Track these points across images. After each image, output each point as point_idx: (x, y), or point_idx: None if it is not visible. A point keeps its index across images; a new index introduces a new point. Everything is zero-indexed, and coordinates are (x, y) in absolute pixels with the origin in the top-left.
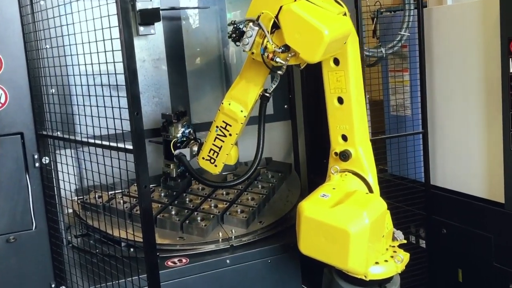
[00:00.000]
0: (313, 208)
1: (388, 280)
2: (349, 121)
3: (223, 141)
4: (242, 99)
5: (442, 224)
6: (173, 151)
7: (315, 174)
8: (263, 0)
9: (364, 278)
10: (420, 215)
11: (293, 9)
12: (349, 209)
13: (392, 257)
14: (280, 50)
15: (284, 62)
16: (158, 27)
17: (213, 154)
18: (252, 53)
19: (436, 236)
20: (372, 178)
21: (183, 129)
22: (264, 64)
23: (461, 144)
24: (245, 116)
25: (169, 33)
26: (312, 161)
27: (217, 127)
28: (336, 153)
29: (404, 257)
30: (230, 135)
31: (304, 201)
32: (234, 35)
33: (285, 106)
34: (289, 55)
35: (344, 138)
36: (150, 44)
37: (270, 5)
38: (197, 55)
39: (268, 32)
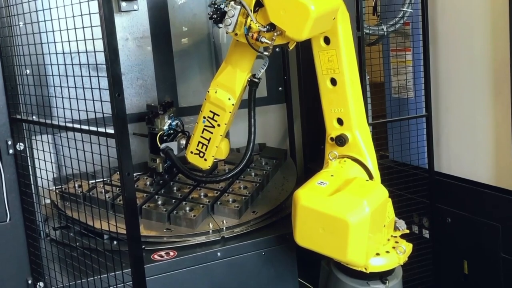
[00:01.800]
0: (310, 197)
1: (390, 272)
2: (344, 104)
3: (212, 133)
4: (229, 86)
5: (446, 213)
6: (159, 145)
7: (312, 161)
8: None
9: (364, 270)
10: (423, 204)
11: None
12: (348, 198)
13: (394, 248)
14: (265, 29)
15: (270, 42)
16: (142, 2)
17: (201, 148)
18: (236, 34)
19: (441, 225)
20: (372, 163)
21: (169, 121)
22: (249, 46)
23: (467, 128)
24: (233, 104)
25: (154, 10)
26: (308, 147)
27: (204, 117)
28: (332, 138)
29: (407, 248)
30: (218, 125)
31: (300, 189)
32: (215, 16)
33: (280, 88)
34: (275, 34)
35: (340, 122)
36: (133, 21)
37: None
38: (185, 34)
39: (251, 10)
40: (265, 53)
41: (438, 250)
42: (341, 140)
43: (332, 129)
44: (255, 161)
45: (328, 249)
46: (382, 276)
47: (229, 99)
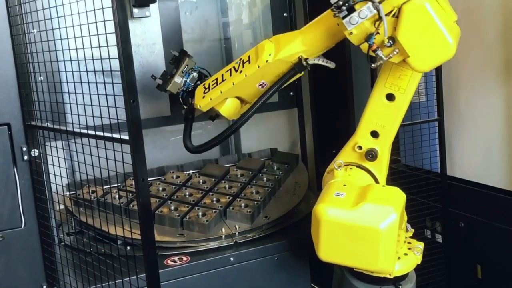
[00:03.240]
0: (334, 211)
1: (404, 277)
2: (391, 121)
3: (230, 76)
4: (280, 44)
5: (459, 218)
6: (184, 106)
7: (323, 166)
8: None
9: (389, 276)
10: (436, 208)
11: (427, 7)
12: (375, 206)
13: (409, 249)
14: (389, 44)
15: (385, 58)
16: (154, 9)
17: (212, 84)
18: (351, 33)
19: (454, 230)
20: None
21: (183, 79)
22: (336, 36)
23: (479, 132)
24: (267, 61)
25: (166, 16)
26: (320, 151)
27: (240, 59)
28: (359, 147)
29: (421, 246)
30: (240, 72)
31: (319, 203)
32: (344, 7)
33: (291, 93)
34: (395, 51)
35: (375, 134)
36: (145, 27)
37: None
38: (196, 40)
39: (385, 21)
40: (373, 65)
41: (451, 254)
42: (371, 155)
43: (363, 139)
44: (267, 166)
45: (356, 261)
46: (396, 282)
47: (270, 54)
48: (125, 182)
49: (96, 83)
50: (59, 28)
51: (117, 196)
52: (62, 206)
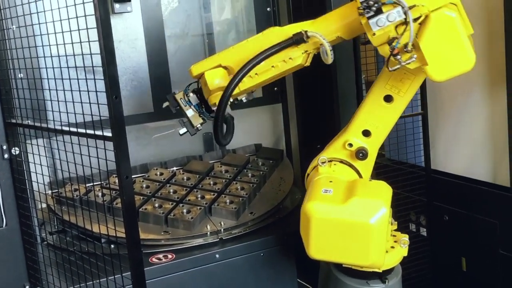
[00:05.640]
0: (324, 208)
1: (389, 271)
2: (386, 123)
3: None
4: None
5: (444, 211)
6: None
7: (308, 161)
8: None
9: (377, 270)
10: (420, 202)
11: (455, 19)
12: (364, 201)
13: (395, 242)
14: (409, 49)
15: (403, 63)
16: (135, 4)
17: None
18: (374, 34)
19: (438, 223)
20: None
21: (191, 108)
22: (352, 30)
23: (463, 126)
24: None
25: (147, 11)
26: (305, 146)
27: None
28: (350, 145)
29: (406, 238)
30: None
31: (309, 202)
32: (374, 8)
33: (275, 88)
34: (413, 57)
35: (366, 134)
36: (127, 23)
37: None
38: (178, 35)
39: (412, 26)
40: (390, 69)
41: (435, 248)
42: (362, 154)
43: (355, 137)
44: (252, 162)
45: (347, 257)
46: (382, 275)
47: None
48: (108, 180)
49: (78, 79)
50: (39, 23)
51: (100, 194)
52: (44, 205)
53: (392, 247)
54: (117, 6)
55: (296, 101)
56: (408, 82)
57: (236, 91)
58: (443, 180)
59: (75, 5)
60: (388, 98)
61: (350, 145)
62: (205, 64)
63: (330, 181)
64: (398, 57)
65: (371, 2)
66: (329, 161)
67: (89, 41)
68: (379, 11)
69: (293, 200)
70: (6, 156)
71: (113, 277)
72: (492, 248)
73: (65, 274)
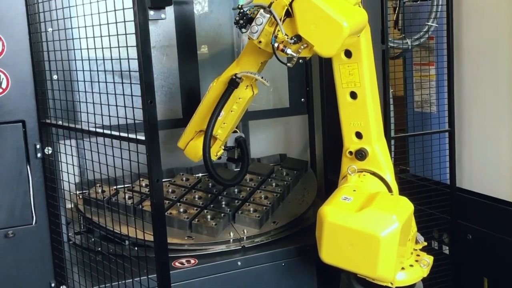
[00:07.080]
0: (337, 213)
1: (411, 287)
2: (365, 117)
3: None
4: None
5: (467, 229)
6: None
7: (332, 172)
8: None
9: (390, 285)
10: (444, 219)
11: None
12: (378, 213)
13: (416, 261)
14: (292, 41)
15: (295, 54)
16: (169, 11)
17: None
18: (260, 42)
19: (461, 242)
20: (390, 177)
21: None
22: (263, 52)
23: (490, 144)
24: (212, 86)
25: (180, 19)
26: (329, 158)
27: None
28: (350, 152)
29: (429, 260)
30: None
31: (325, 205)
32: (242, 21)
33: (302, 99)
34: (302, 47)
35: (359, 135)
36: (160, 30)
37: None
38: (210, 43)
39: (280, 21)
40: (289, 64)
41: (458, 266)
42: (361, 154)
43: (351, 143)
44: (276, 172)
45: (356, 266)
46: None
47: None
48: (132, 183)
49: (114, 83)
50: (71, 28)
51: (127, 196)
52: (71, 205)
53: (411, 265)
54: (151, 13)
55: (322, 113)
56: (355, 72)
57: (220, 141)
58: (467, 198)
59: (115, 10)
60: (353, 95)
61: (350, 152)
62: (186, 136)
63: (354, 190)
64: (288, 51)
65: (237, 18)
66: (359, 172)
67: (127, 46)
68: (251, 21)
69: (316, 212)
70: (39, 155)
71: (139, 278)
72: None
73: (90, 273)
